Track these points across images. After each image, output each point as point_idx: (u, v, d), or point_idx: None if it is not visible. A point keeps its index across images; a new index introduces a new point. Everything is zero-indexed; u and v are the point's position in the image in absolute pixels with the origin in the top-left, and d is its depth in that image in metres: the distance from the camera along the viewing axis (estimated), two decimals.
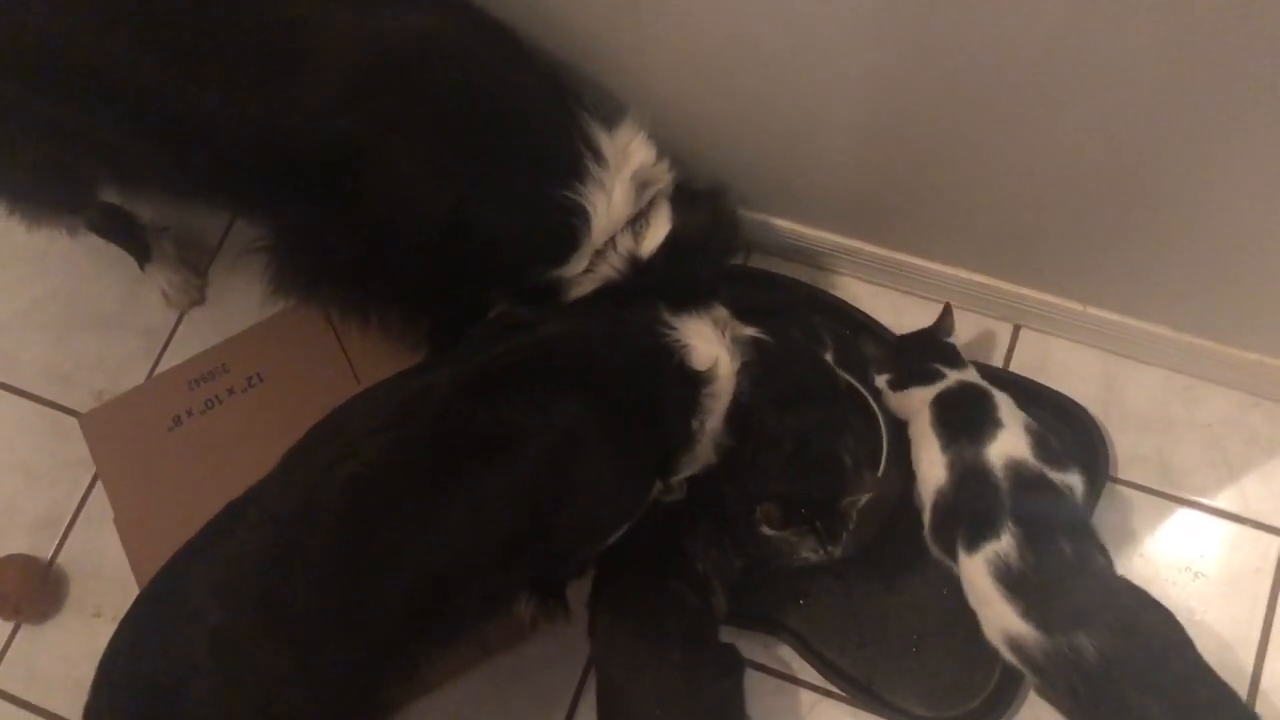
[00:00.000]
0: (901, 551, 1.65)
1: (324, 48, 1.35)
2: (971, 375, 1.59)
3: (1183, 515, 1.67)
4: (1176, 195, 1.33)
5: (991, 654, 1.54)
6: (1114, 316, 1.66)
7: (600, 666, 1.47)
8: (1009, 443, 1.47)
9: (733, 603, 1.53)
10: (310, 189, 1.42)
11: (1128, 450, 1.70)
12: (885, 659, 1.61)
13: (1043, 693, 1.43)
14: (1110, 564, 1.45)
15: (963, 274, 1.71)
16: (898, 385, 1.59)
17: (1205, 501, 1.67)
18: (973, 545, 1.41)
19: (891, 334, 1.74)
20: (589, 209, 1.42)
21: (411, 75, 1.37)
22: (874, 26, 1.23)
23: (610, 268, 1.47)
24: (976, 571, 1.41)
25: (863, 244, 1.74)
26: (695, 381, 1.38)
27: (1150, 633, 1.37)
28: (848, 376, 1.59)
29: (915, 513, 1.61)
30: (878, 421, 1.62)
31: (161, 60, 1.34)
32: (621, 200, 1.44)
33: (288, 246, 1.56)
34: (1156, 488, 1.68)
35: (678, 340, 1.39)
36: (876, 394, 1.63)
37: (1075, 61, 1.16)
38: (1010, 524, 1.40)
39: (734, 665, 1.46)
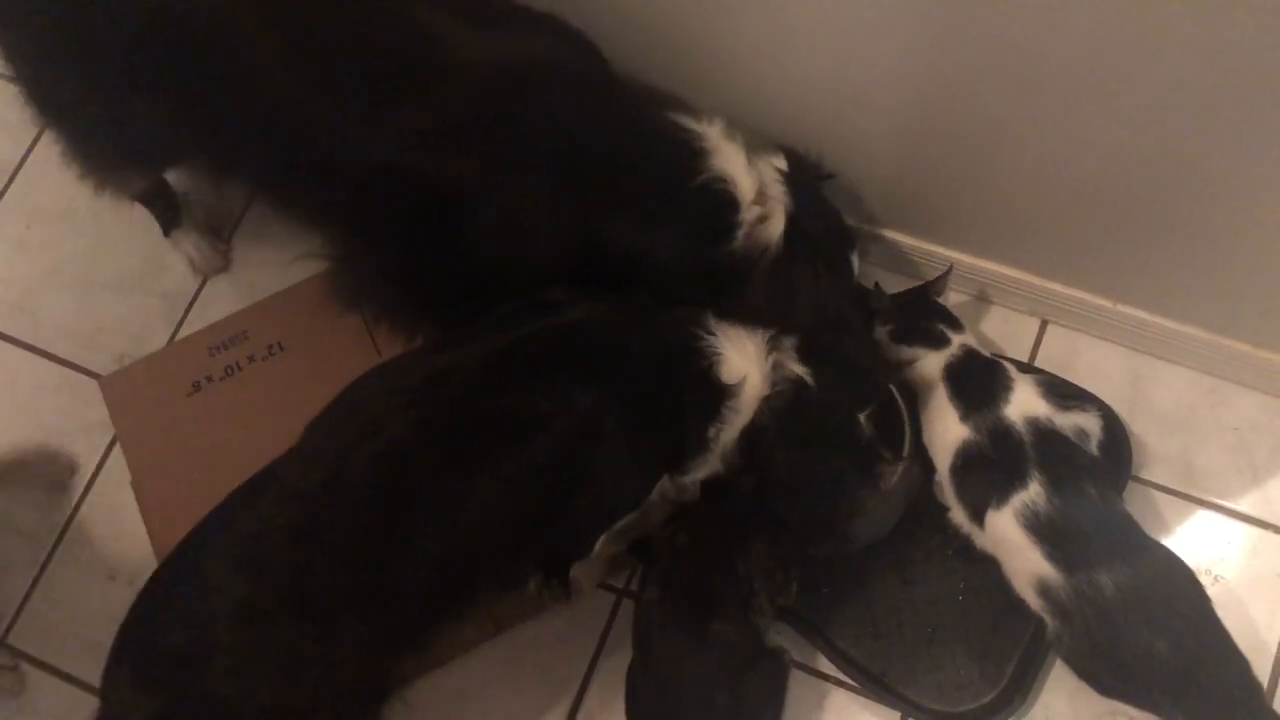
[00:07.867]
0: (919, 544, 1.65)
1: (449, 72, 1.36)
2: (970, 338, 1.61)
3: (1204, 517, 1.66)
4: (1218, 194, 1.31)
5: (1006, 650, 1.56)
6: (1144, 315, 1.64)
7: (635, 680, 1.51)
8: (1024, 400, 1.52)
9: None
10: (418, 215, 1.41)
11: (1152, 450, 1.68)
12: (899, 651, 1.61)
13: (1062, 647, 1.47)
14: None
15: (992, 266, 1.69)
16: (899, 338, 1.62)
17: (1228, 505, 1.66)
18: (1002, 499, 1.46)
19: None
20: (725, 175, 1.43)
21: (529, 106, 1.38)
22: (917, 10, 1.21)
23: (777, 203, 1.46)
24: (1007, 524, 1.45)
25: (893, 233, 1.73)
26: (719, 391, 1.36)
27: (1168, 577, 1.42)
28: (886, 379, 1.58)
29: (933, 506, 1.61)
30: (902, 417, 1.61)
31: (292, 60, 1.35)
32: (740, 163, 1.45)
33: (370, 268, 1.55)
34: (1179, 489, 1.67)
35: (712, 347, 1.36)
36: (908, 395, 1.62)
37: (1124, 51, 1.14)
38: (1036, 472, 1.45)
39: (775, 692, 1.50)
